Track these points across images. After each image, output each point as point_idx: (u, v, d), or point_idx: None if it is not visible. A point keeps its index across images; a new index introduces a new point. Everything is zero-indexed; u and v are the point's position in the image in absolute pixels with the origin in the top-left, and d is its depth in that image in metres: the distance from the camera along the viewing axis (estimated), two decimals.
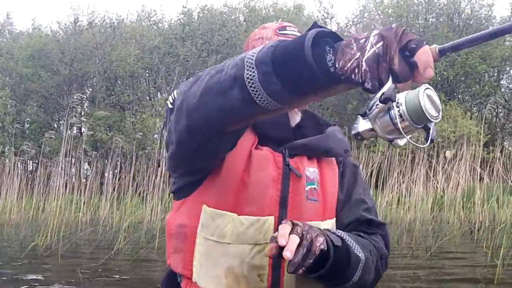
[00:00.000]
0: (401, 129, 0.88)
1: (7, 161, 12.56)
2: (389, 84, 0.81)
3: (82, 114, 18.90)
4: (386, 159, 9.06)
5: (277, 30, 1.32)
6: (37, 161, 15.83)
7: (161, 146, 10.74)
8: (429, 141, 0.95)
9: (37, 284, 4.63)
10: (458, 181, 8.72)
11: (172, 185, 1.27)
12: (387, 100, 0.82)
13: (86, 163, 13.26)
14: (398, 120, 0.87)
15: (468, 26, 20.04)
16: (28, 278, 4.86)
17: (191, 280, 1.18)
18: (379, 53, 0.80)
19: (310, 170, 1.24)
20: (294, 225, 1.06)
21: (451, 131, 13.68)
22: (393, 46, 0.80)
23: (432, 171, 9.21)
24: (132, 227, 7.54)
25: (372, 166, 8.80)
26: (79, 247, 6.86)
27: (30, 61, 21.17)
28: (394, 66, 0.80)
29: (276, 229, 1.15)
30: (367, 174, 8.57)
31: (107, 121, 18.65)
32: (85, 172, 12.78)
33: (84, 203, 9.19)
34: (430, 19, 20.98)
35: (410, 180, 8.93)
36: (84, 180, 10.73)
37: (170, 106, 1.14)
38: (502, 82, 20.17)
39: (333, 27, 21.84)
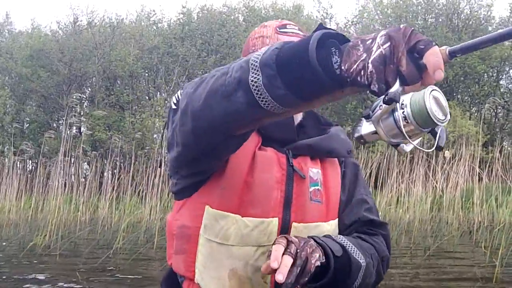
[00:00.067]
0: (404, 133, 0.84)
1: (6, 160, 12.55)
2: (396, 87, 0.78)
3: (82, 114, 18.91)
4: (385, 159, 9.06)
5: (278, 28, 1.31)
6: (36, 161, 15.83)
7: (160, 146, 10.73)
8: (435, 146, 0.91)
9: (36, 283, 4.63)
10: (457, 181, 8.71)
11: (173, 186, 1.26)
12: (391, 101, 0.78)
13: (86, 163, 13.28)
14: (402, 123, 0.83)
15: (467, 27, 20.06)
16: (27, 277, 4.86)
17: (194, 281, 1.18)
18: (386, 54, 0.77)
19: (314, 171, 1.24)
20: (288, 243, 1.06)
21: (450, 131, 13.69)
22: (401, 47, 0.77)
23: (431, 171, 9.21)
24: (131, 227, 7.54)
25: (371, 166, 8.81)
26: (78, 247, 6.85)
27: (30, 61, 21.15)
28: (402, 68, 0.77)
29: (280, 231, 1.16)
30: (366, 174, 8.57)
31: (106, 121, 18.64)
32: (84, 172, 12.78)
33: (83, 202, 9.19)
34: (429, 20, 20.99)
35: (409, 180, 8.94)
36: (83, 179, 10.72)
37: (174, 106, 1.13)
38: (501, 82, 20.19)
39: (332, 27, 21.83)
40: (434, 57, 0.77)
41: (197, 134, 1.02)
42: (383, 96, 0.79)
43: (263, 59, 0.85)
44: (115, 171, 11.54)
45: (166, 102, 18.41)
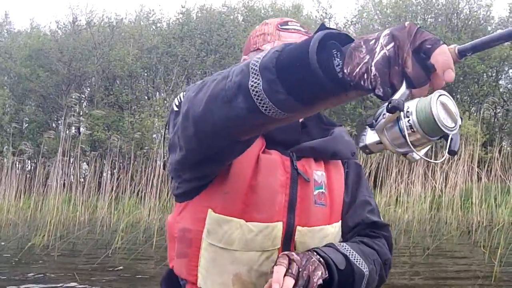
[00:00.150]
0: (409, 143, 0.78)
1: (5, 160, 12.53)
2: (402, 90, 0.73)
3: (81, 113, 18.89)
4: (384, 159, 9.06)
5: (279, 25, 1.28)
6: (35, 161, 15.81)
7: (159, 146, 10.73)
8: (447, 151, 0.83)
9: (35, 283, 4.62)
10: (456, 181, 8.72)
11: (174, 189, 1.24)
12: (394, 109, 0.73)
13: (85, 163, 13.26)
14: (406, 132, 0.78)
15: (466, 27, 20.06)
16: (26, 277, 4.86)
17: (196, 285, 1.17)
18: (390, 55, 0.73)
19: (318, 173, 1.22)
20: (290, 262, 1.06)
21: None
22: (406, 47, 0.72)
23: (430, 171, 9.21)
24: (130, 227, 7.54)
25: (371, 166, 8.81)
26: (77, 247, 6.85)
27: (29, 61, 21.12)
28: (407, 70, 0.72)
29: (284, 235, 1.15)
30: (365, 174, 8.55)
31: (106, 121, 18.62)
32: (83, 172, 12.77)
33: (82, 202, 9.19)
34: (429, 20, 20.98)
35: (408, 180, 8.94)
36: (82, 180, 10.71)
37: (176, 109, 1.11)
38: (500, 82, 20.18)
39: (331, 27, 21.84)
40: (443, 56, 0.73)
41: (199, 139, 1.00)
42: (386, 104, 0.74)
43: (263, 62, 0.82)
44: (114, 171, 11.53)
45: (165, 102, 18.38)
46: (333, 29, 0.81)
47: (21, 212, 9.93)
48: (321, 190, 1.21)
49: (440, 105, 0.78)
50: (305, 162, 1.21)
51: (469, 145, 9.18)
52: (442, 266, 5.42)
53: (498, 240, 5.34)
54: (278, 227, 1.15)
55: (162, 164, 9.75)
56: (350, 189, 1.32)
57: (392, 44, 0.73)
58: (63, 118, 14.91)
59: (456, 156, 9.01)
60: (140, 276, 4.99)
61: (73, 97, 9.74)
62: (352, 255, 1.16)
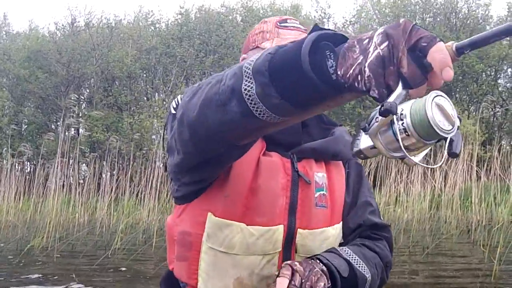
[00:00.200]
0: (403, 147, 0.74)
1: (4, 162, 12.52)
2: (398, 91, 0.70)
3: (80, 115, 18.88)
4: (384, 158, 9.05)
5: (278, 23, 1.27)
6: (34, 163, 15.80)
7: (158, 147, 10.73)
8: (447, 153, 0.78)
9: (34, 285, 4.62)
10: (456, 180, 8.71)
11: (174, 191, 1.23)
12: (387, 112, 0.69)
13: (84, 164, 13.25)
14: (399, 137, 0.73)
15: (465, 26, 20.07)
16: (25, 279, 4.85)
17: None
18: (384, 55, 0.69)
19: (319, 175, 1.21)
20: (293, 273, 1.06)
21: None
22: (400, 46, 0.69)
23: (429, 170, 9.20)
24: (129, 228, 7.53)
25: (370, 165, 8.80)
26: (76, 247, 6.85)
27: (27, 62, 21.11)
28: (403, 70, 0.69)
29: (285, 238, 1.15)
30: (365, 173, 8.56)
31: (105, 122, 18.62)
32: (83, 173, 12.76)
33: (81, 204, 9.18)
34: (427, 19, 21.00)
35: (407, 179, 8.94)
36: (82, 181, 10.71)
37: (173, 111, 1.10)
38: (499, 81, 20.19)
39: (330, 27, 21.86)
40: (440, 54, 0.69)
41: (195, 143, 0.99)
42: (379, 107, 0.71)
43: (255, 65, 0.79)
44: (113, 172, 11.53)
45: (164, 102, 18.38)
46: (328, 29, 0.78)
47: (20, 214, 9.92)
48: (322, 192, 1.21)
49: (435, 107, 0.73)
50: (306, 164, 1.20)
51: (468, 144, 9.18)
52: (442, 265, 5.42)
53: (497, 239, 5.34)
54: (279, 231, 1.14)
55: (162, 165, 9.75)
56: (351, 189, 1.31)
57: (386, 43, 0.70)
58: (61, 119, 14.91)
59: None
60: (139, 277, 4.99)
61: (72, 98, 9.72)
62: (355, 260, 1.16)
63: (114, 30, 21.53)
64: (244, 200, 1.12)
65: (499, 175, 8.71)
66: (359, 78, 0.70)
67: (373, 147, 0.78)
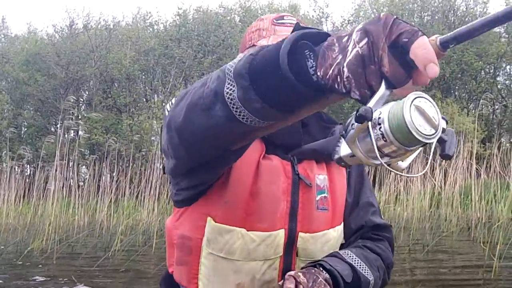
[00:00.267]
0: (378, 156, 0.67)
1: (4, 165, 12.52)
2: (381, 91, 0.65)
3: (79, 117, 18.87)
4: None
5: (274, 20, 1.25)
6: (34, 165, 15.79)
7: (158, 148, 10.72)
8: (439, 155, 0.74)
9: (34, 286, 4.62)
10: (456, 178, 8.71)
11: (173, 195, 1.21)
12: (362, 118, 0.64)
13: (84, 167, 13.25)
14: (375, 144, 0.67)
15: (463, 24, 19.99)
16: (24, 281, 4.84)
17: None
18: (364, 53, 0.64)
19: (321, 177, 1.20)
20: (297, 285, 1.05)
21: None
22: (380, 43, 0.64)
23: (429, 168, 9.20)
24: (129, 229, 7.53)
25: None
26: (76, 249, 6.84)
27: (26, 65, 21.11)
28: (384, 68, 0.64)
29: (286, 243, 1.14)
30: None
31: (104, 124, 18.62)
32: (82, 175, 12.76)
33: (81, 205, 9.18)
34: (426, 17, 21.00)
35: (407, 177, 8.93)
36: (82, 183, 10.70)
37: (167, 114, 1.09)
38: (498, 78, 20.20)
39: (328, 26, 21.88)
40: (421, 50, 0.63)
41: (185, 147, 0.96)
42: (354, 113, 0.66)
43: (237, 68, 0.76)
44: (113, 174, 11.52)
45: (163, 104, 18.37)
46: (311, 28, 0.74)
47: (20, 216, 9.92)
48: (323, 195, 1.19)
49: (415, 110, 0.66)
50: (307, 166, 1.18)
51: (468, 141, 9.18)
52: (442, 262, 5.41)
53: (497, 236, 5.34)
54: (280, 235, 1.13)
55: (161, 167, 9.74)
56: (353, 189, 1.30)
57: (365, 40, 0.64)
58: (60, 121, 14.90)
59: (455, 153, 8.99)
60: (140, 278, 4.99)
61: (71, 100, 9.70)
62: (358, 263, 1.15)
63: (113, 32, 21.52)
64: (244, 205, 1.10)
65: (499, 172, 8.70)
66: (339, 80, 0.65)
67: (353, 155, 0.73)
